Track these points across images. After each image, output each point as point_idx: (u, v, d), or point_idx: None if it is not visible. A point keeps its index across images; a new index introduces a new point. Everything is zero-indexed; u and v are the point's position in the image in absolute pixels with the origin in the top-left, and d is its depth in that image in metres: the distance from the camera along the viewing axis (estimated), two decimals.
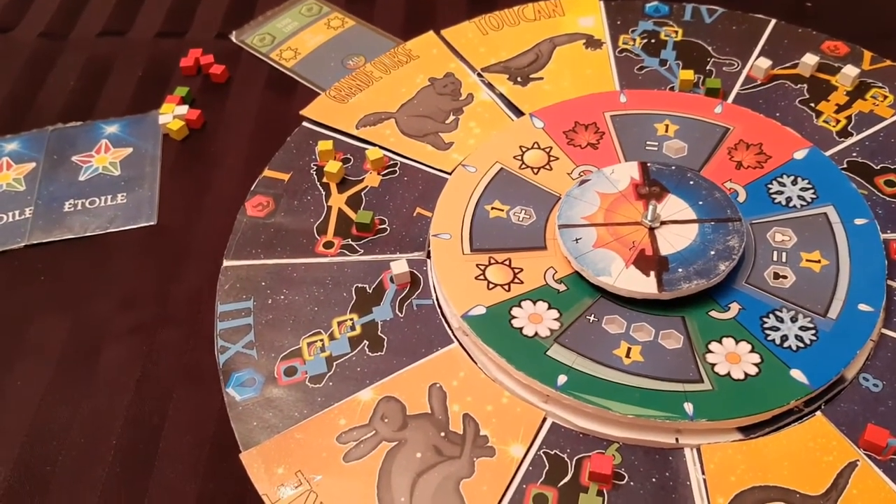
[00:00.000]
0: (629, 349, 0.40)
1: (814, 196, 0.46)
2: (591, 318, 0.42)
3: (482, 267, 0.44)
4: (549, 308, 0.42)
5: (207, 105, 0.57)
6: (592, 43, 0.57)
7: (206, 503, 0.38)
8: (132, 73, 0.60)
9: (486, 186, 0.48)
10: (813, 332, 0.41)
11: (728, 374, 0.39)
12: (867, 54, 0.55)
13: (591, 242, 0.44)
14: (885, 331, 0.41)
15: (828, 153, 0.49)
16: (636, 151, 0.50)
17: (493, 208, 0.47)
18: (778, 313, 0.42)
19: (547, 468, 0.38)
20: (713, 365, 0.40)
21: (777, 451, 0.37)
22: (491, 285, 0.43)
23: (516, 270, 0.44)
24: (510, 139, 0.51)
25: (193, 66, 0.59)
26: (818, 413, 0.39)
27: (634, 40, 0.57)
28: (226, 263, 0.47)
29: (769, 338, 0.41)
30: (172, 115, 0.55)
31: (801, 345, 0.40)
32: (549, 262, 0.44)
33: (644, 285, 0.42)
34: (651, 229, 0.44)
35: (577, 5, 0.60)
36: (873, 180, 0.48)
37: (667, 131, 0.50)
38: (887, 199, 0.47)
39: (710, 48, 0.56)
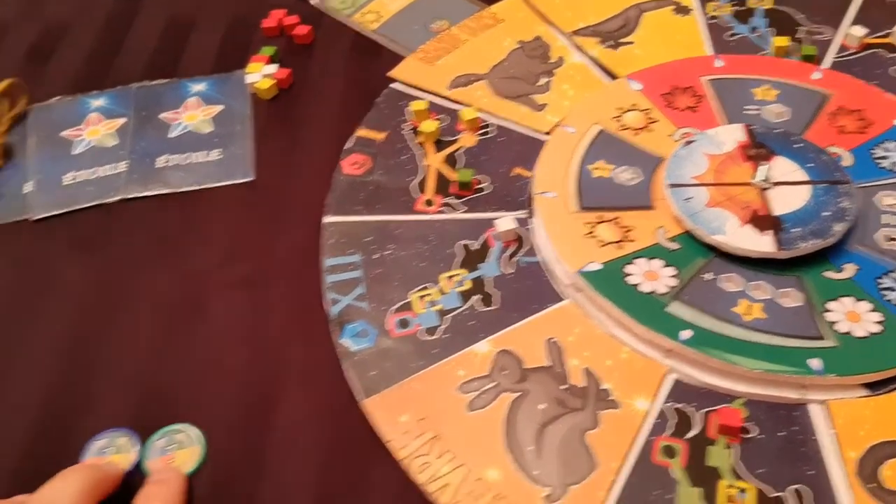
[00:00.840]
0: (749, 306, 0.40)
1: None
2: (708, 276, 0.42)
3: (591, 225, 0.44)
4: (665, 266, 0.42)
5: (293, 66, 0.56)
6: (680, 10, 0.57)
7: (328, 450, 0.38)
8: (213, 33, 0.60)
9: (588, 147, 0.48)
10: None
11: (849, 333, 0.39)
12: None
13: (703, 202, 0.44)
14: None
15: None
16: (736, 115, 0.49)
17: (596, 168, 0.47)
18: (894, 274, 0.41)
19: (673, 422, 0.37)
20: (833, 323, 0.40)
21: None
22: (602, 243, 0.43)
23: (626, 229, 0.44)
24: (607, 101, 0.50)
25: (276, 27, 0.59)
26: None
27: (722, 7, 0.57)
28: (327, 219, 0.47)
29: (886, 298, 0.40)
30: (261, 74, 0.55)
31: None
32: (658, 221, 0.44)
33: (760, 244, 0.42)
34: (762, 190, 0.44)
35: None
36: None
37: (766, 96, 0.50)
38: None
39: (799, 17, 0.56)
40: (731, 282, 0.41)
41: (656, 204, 0.45)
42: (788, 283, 0.41)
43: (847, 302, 0.40)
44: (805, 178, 0.44)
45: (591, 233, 0.44)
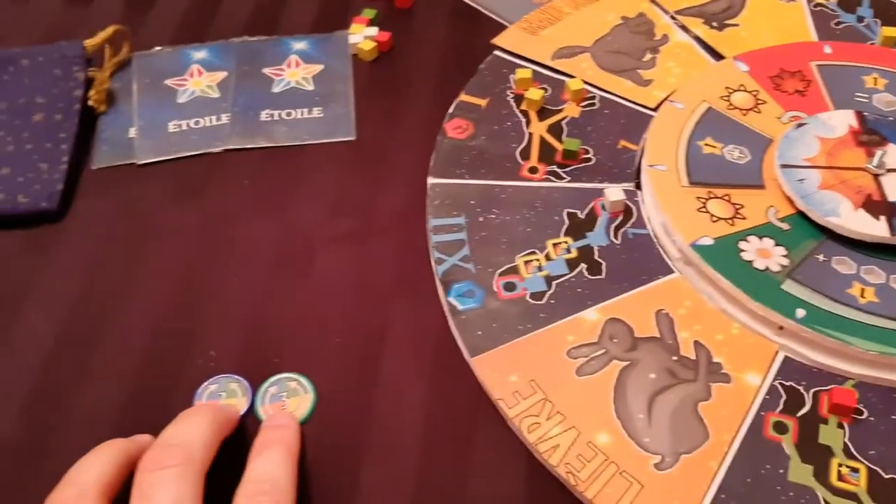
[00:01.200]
0: (863, 290, 0.40)
1: None
2: (821, 257, 0.41)
3: (703, 200, 0.44)
4: (777, 245, 0.42)
5: (391, 30, 0.56)
6: None
7: (434, 404, 0.38)
8: None
9: (697, 123, 0.48)
10: None
11: None
12: None
13: (815, 184, 0.43)
14: None
15: None
16: (845, 102, 0.49)
17: (706, 144, 0.46)
18: None
19: (784, 398, 0.37)
20: None
21: None
22: (714, 218, 0.43)
23: (737, 206, 0.43)
24: (715, 80, 0.50)
25: None
26: None
27: None
28: (432, 181, 0.47)
29: None
30: (363, 35, 0.55)
31: None
32: (768, 200, 0.44)
33: (875, 228, 0.41)
34: (876, 175, 0.43)
35: None
36: None
37: (875, 84, 0.49)
38: None
39: None
40: (844, 264, 0.41)
41: (767, 183, 0.45)
42: None
43: None
44: None
45: (702, 207, 0.43)
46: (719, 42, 0.53)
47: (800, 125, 0.46)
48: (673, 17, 0.55)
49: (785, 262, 0.41)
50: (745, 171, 0.45)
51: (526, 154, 0.48)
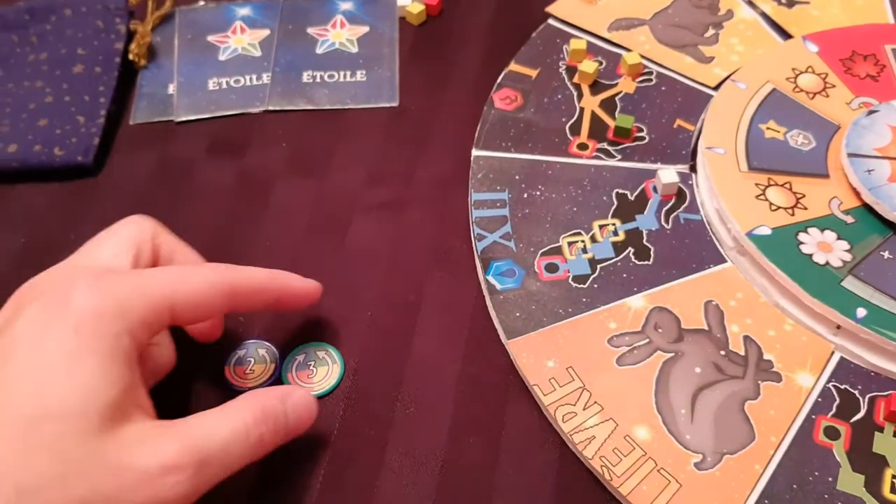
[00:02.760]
0: None
1: None
2: (886, 254, 0.39)
3: (762, 187, 0.41)
4: (839, 238, 0.39)
5: None
6: None
7: (466, 385, 0.37)
8: None
9: (759, 105, 0.45)
10: None
11: None
12: None
13: (885, 176, 0.40)
14: None
15: None
16: None
17: (768, 128, 0.44)
18: None
19: (837, 402, 0.35)
20: None
21: None
22: (773, 207, 0.40)
23: (798, 195, 0.41)
24: (781, 60, 0.47)
25: None
26: None
27: None
28: (476, 153, 0.45)
29: None
30: None
31: None
32: (832, 191, 0.41)
33: None
34: None
35: None
36: None
37: None
38: None
39: None
40: None
41: (832, 173, 0.42)
42: None
43: None
44: None
45: (761, 195, 0.41)
46: (787, 19, 0.50)
47: (871, 112, 0.43)
48: None
49: (847, 257, 0.38)
50: (809, 158, 0.43)
51: (576, 129, 0.46)
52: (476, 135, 0.46)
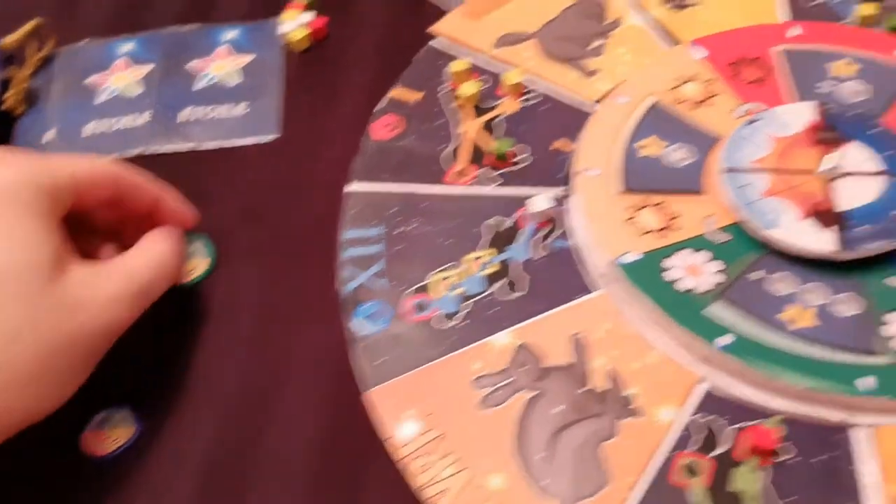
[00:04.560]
0: (798, 312, 0.36)
1: None
2: (757, 274, 0.38)
3: (634, 209, 0.40)
4: (710, 260, 0.38)
5: (329, 15, 0.53)
6: None
7: (327, 441, 0.36)
8: None
9: (639, 120, 0.44)
10: None
11: None
12: None
13: (760, 190, 0.39)
14: None
15: None
16: (806, 91, 0.44)
17: (645, 145, 0.43)
18: None
19: (700, 436, 0.34)
20: (889, 339, 0.35)
21: None
22: (644, 230, 0.39)
23: (671, 215, 0.40)
24: (666, 69, 0.46)
25: None
26: None
27: None
28: (352, 187, 0.44)
29: None
30: (296, 22, 0.52)
31: None
32: (708, 208, 0.40)
33: (819, 242, 0.37)
34: (829, 180, 0.39)
35: None
36: None
37: (844, 71, 0.45)
38: None
39: None
40: (783, 282, 0.37)
41: (709, 189, 0.41)
42: (848, 287, 0.37)
43: None
44: (878, 168, 0.39)
45: (632, 218, 0.40)
46: (677, 24, 0.49)
47: (752, 121, 0.42)
48: None
49: (720, 279, 0.37)
50: (686, 174, 0.41)
51: (455, 156, 0.45)
52: (353, 166, 0.45)
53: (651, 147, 0.42)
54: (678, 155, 0.42)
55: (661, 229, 0.39)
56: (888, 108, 0.43)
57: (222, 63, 0.51)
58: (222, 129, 0.48)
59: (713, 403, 0.35)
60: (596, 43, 0.49)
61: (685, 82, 0.45)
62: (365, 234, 0.42)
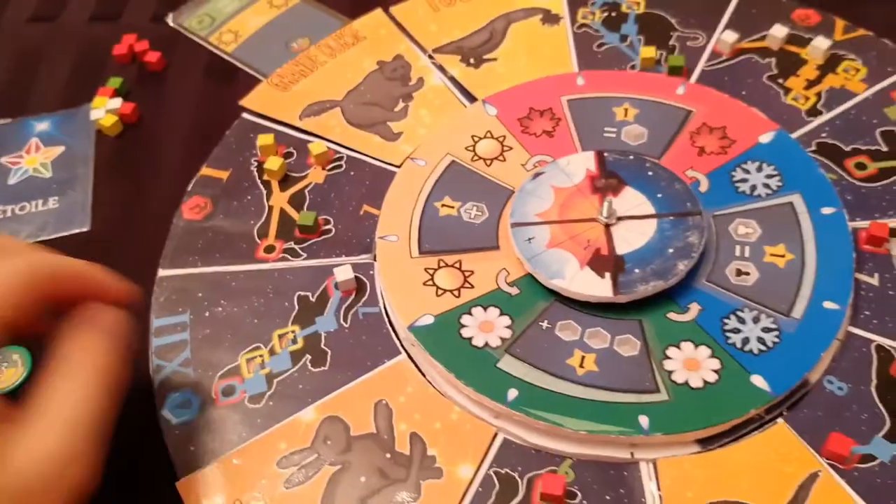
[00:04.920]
0: (583, 358, 0.38)
1: (780, 184, 0.44)
2: (545, 324, 0.40)
3: (431, 271, 0.42)
4: (501, 314, 0.40)
5: (143, 96, 0.53)
6: (550, 18, 0.54)
7: None
8: (64, 63, 0.56)
9: (437, 181, 0.45)
10: (776, 333, 0.39)
11: (686, 383, 0.37)
12: (840, 23, 0.52)
13: (544, 242, 0.41)
14: (851, 329, 0.39)
15: (796, 134, 0.46)
16: (594, 139, 0.47)
17: (443, 205, 0.44)
18: (740, 314, 0.39)
19: (497, 489, 0.36)
20: (671, 373, 0.38)
21: (736, 464, 0.36)
22: (440, 291, 0.41)
23: (467, 273, 0.42)
24: (462, 128, 0.48)
25: (128, 54, 0.55)
26: (780, 420, 0.37)
27: (594, 14, 0.54)
28: (161, 273, 0.44)
29: (730, 341, 0.39)
30: (105, 109, 0.52)
31: (763, 348, 0.38)
32: (501, 263, 0.42)
33: (599, 288, 0.40)
34: (607, 226, 0.42)
35: None
36: (843, 163, 0.45)
37: (626, 115, 0.48)
38: (857, 182, 0.44)
39: (673, 20, 0.53)
40: (568, 329, 0.39)
41: (501, 243, 0.43)
42: (629, 328, 0.39)
43: (687, 348, 0.39)
44: (652, 210, 0.42)
45: (429, 280, 0.41)
46: (475, 81, 0.51)
47: (536, 175, 0.44)
48: (430, 57, 0.53)
49: (507, 333, 0.39)
50: (481, 231, 0.43)
51: (264, 231, 0.46)
52: (163, 252, 0.45)
53: (449, 206, 0.44)
54: (474, 212, 0.44)
55: (457, 289, 0.41)
56: (668, 147, 0.46)
57: (35, 157, 0.51)
58: (33, 226, 0.47)
59: (509, 454, 0.37)
60: (400, 105, 0.50)
61: (480, 140, 0.47)
62: (172, 321, 0.42)
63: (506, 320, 0.40)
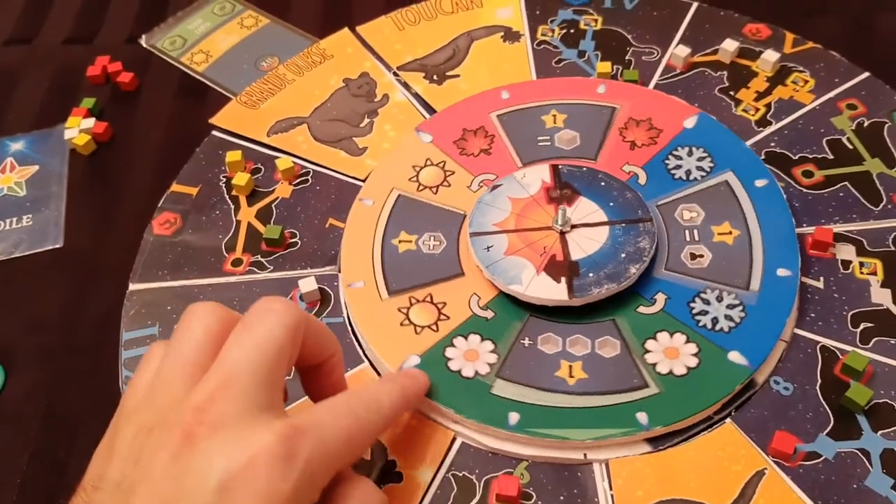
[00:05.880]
0: (570, 367, 0.39)
1: (711, 164, 0.46)
2: (526, 341, 0.40)
3: (405, 310, 0.42)
4: (483, 339, 0.41)
5: (116, 116, 0.55)
6: (511, 35, 0.56)
7: None
8: (40, 84, 0.58)
9: (388, 218, 0.46)
10: (740, 308, 0.40)
11: (671, 372, 0.39)
12: (789, 36, 0.54)
13: (502, 250, 0.43)
14: (797, 330, 0.41)
15: (747, 144, 0.48)
16: (530, 149, 0.48)
17: (400, 241, 0.45)
18: (703, 295, 0.41)
19: (455, 491, 0.37)
20: (654, 365, 0.39)
21: (685, 463, 0.37)
22: (418, 329, 0.41)
23: (440, 306, 0.42)
24: (402, 160, 0.48)
25: (101, 75, 0.57)
26: (727, 421, 0.38)
27: (553, 31, 0.56)
28: (131, 287, 0.46)
29: (700, 324, 0.40)
30: (79, 129, 0.53)
31: (732, 324, 0.40)
32: (470, 288, 0.42)
33: (555, 292, 0.41)
34: (562, 234, 0.43)
35: None
36: (791, 171, 0.47)
37: (555, 122, 0.49)
38: (805, 190, 0.46)
39: (629, 36, 0.55)
40: (550, 342, 0.40)
41: (466, 269, 0.43)
42: (605, 329, 0.41)
43: (663, 337, 0.40)
44: (605, 218, 0.44)
45: (405, 320, 0.41)
46: (438, 98, 0.53)
47: (494, 187, 0.46)
48: (395, 74, 0.54)
49: (493, 358, 0.40)
50: (443, 260, 0.44)
51: (232, 245, 0.47)
52: (134, 267, 0.46)
53: (406, 241, 0.45)
54: (432, 242, 0.45)
55: (434, 323, 0.41)
56: (601, 147, 0.48)
57: (9, 176, 0.52)
58: (7, 243, 0.49)
59: (466, 458, 0.38)
60: (366, 121, 0.52)
61: (421, 169, 0.48)
62: (142, 333, 0.44)
63: (488, 345, 0.40)
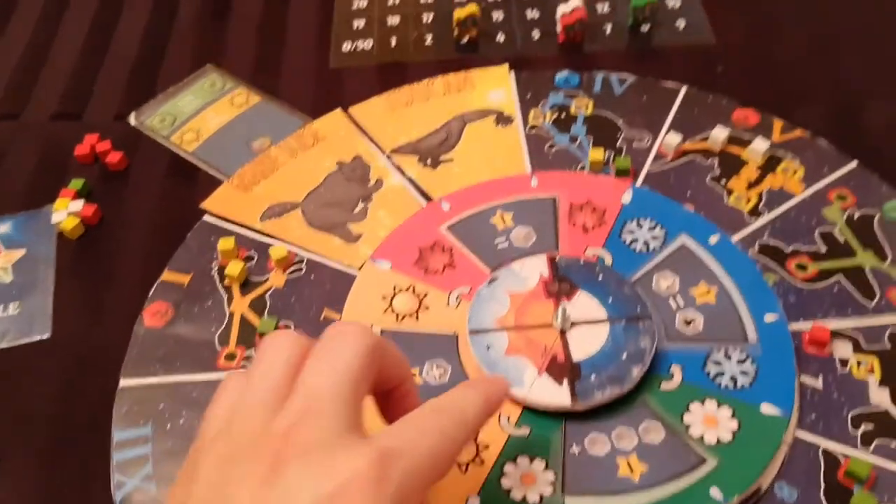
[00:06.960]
0: (629, 464, 0.39)
1: (663, 231, 0.48)
2: (575, 449, 0.40)
3: None
4: (532, 460, 0.39)
5: (105, 197, 0.54)
6: (503, 119, 0.56)
7: None
8: (27, 163, 0.57)
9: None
10: (750, 361, 0.42)
11: (719, 441, 0.39)
12: (777, 123, 0.54)
13: (502, 349, 0.42)
14: (799, 433, 0.41)
15: (739, 235, 0.48)
16: (492, 254, 0.48)
17: None
18: (713, 357, 0.42)
19: None
20: (701, 438, 0.39)
21: None
22: (463, 467, 0.39)
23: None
24: (369, 294, 0.46)
25: (90, 154, 0.56)
26: None
27: (545, 115, 0.56)
28: (123, 383, 0.45)
29: (723, 385, 0.41)
30: (67, 211, 0.52)
31: (750, 379, 0.41)
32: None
33: (558, 396, 0.41)
34: (562, 332, 0.43)
35: (487, 78, 0.58)
36: (785, 264, 0.47)
37: (505, 222, 0.49)
38: (798, 285, 0.46)
39: (619, 122, 0.55)
40: (598, 443, 0.40)
41: None
42: (641, 415, 0.41)
43: (696, 408, 0.41)
44: (605, 315, 0.44)
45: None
46: (432, 182, 0.52)
47: (491, 281, 0.45)
48: (388, 157, 0.54)
49: (551, 477, 0.39)
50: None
51: (225, 338, 0.46)
52: (125, 361, 0.45)
53: None
54: (436, 371, 0.43)
55: (475, 457, 0.40)
56: (558, 237, 0.48)
57: None
58: None
59: None
60: (360, 206, 0.52)
61: (392, 298, 0.46)
62: (135, 434, 0.42)
63: (540, 464, 0.39)
